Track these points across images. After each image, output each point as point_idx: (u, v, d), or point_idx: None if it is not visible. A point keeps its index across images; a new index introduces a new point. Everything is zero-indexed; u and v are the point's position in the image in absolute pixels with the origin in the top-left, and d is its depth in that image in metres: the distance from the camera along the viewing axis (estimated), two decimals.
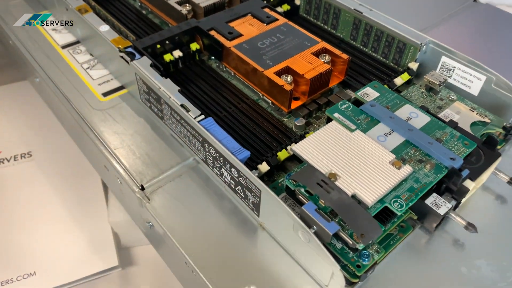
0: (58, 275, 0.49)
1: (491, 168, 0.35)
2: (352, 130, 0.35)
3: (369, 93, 0.39)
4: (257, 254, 0.32)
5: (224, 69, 0.45)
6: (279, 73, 0.40)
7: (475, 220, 0.32)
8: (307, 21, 0.53)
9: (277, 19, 0.46)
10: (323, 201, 0.30)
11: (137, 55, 0.41)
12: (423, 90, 0.43)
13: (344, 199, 0.29)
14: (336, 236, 0.30)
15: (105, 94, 0.45)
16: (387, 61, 0.46)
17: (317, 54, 0.42)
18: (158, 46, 0.43)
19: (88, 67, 0.48)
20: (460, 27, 0.57)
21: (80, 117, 0.43)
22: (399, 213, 0.30)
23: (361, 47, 0.48)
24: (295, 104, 0.41)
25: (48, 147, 0.61)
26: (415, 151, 0.33)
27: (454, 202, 0.33)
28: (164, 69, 0.44)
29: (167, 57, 0.44)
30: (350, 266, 0.29)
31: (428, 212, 0.32)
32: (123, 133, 0.41)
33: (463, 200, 0.34)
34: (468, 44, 0.54)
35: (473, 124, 0.40)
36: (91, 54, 0.50)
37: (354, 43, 0.49)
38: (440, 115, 0.40)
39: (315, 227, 0.28)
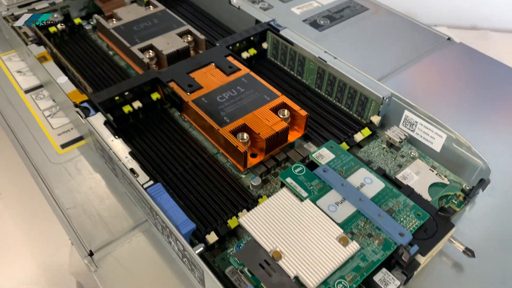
0: None
1: (445, 239, 0.34)
2: (302, 199, 0.34)
3: (324, 154, 0.38)
4: None
5: (185, 119, 0.45)
6: (235, 131, 0.40)
7: None
8: (274, 65, 0.52)
9: (239, 69, 0.46)
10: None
11: (92, 111, 0.40)
12: (385, 146, 0.42)
13: (285, 283, 0.29)
14: None
15: (64, 146, 0.44)
16: (351, 112, 0.46)
17: (276, 109, 0.42)
18: (117, 98, 0.43)
19: (49, 115, 0.47)
20: (434, 65, 0.56)
21: (36, 170, 0.42)
22: None
23: (326, 95, 0.48)
24: (252, 162, 0.40)
25: (16, 189, 0.60)
26: (365, 224, 0.33)
27: (404, 278, 0.32)
28: (124, 120, 0.44)
29: (126, 109, 0.43)
30: None
31: None
32: (77, 190, 0.40)
33: (416, 272, 0.34)
34: (441, 83, 0.54)
35: (433, 185, 0.39)
36: (53, 100, 0.49)
37: (319, 91, 0.48)
38: (399, 175, 0.40)
39: None
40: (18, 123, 0.46)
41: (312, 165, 0.37)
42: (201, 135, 0.43)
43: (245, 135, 0.39)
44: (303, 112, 0.41)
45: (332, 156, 0.38)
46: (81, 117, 0.40)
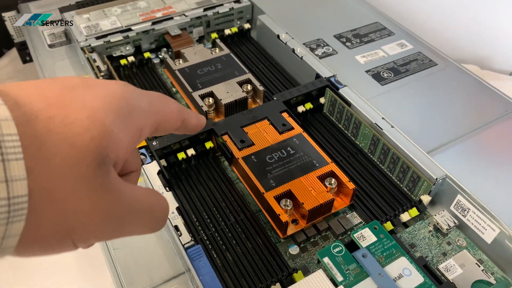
0: None
1: None
2: (337, 284, 0.34)
3: (366, 236, 0.37)
4: None
5: (233, 170, 0.46)
6: (280, 197, 0.40)
7: None
8: (329, 121, 0.52)
9: (292, 128, 0.46)
10: None
11: (148, 159, 0.43)
12: (431, 229, 0.41)
13: None
14: None
15: None
16: (402, 186, 0.45)
17: (324, 177, 0.42)
18: (173, 145, 0.45)
19: None
20: (500, 137, 0.53)
21: None
22: None
23: (378, 163, 0.47)
24: (293, 229, 0.40)
25: None
26: None
27: None
28: (177, 165, 0.46)
29: (180, 156, 0.45)
30: None
31: None
32: None
33: None
34: (505, 160, 0.51)
35: (477, 282, 0.38)
36: None
37: (371, 156, 0.48)
38: (442, 265, 0.38)
39: None
40: None
41: (352, 245, 0.37)
42: (246, 189, 0.44)
43: (289, 202, 0.40)
44: (351, 185, 0.41)
45: (374, 239, 0.37)
46: None
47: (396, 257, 0.36)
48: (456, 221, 0.40)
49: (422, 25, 0.92)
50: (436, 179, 0.41)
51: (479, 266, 0.38)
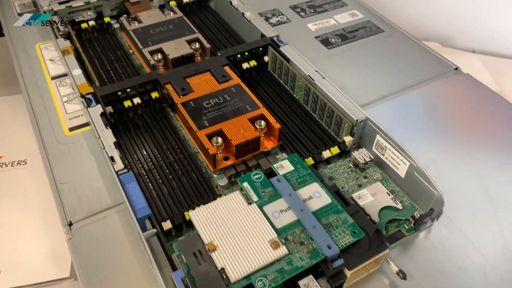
0: (15, 277, 0.55)
1: (379, 258, 0.36)
2: (250, 203, 0.38)
3: (285, 166, 0.41)
4: None
5: (177, 119, 0.50)
6: (211, 135, 0.44)
7: None
8: (272, 78, 0.56)
9: (231, 79, 0.50)
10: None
11: (93, 103, 0.46)
12: (351, 166, 0.45)
13: (210, 272, 0.33)
14: None
15: (72, 129, 0.50)
16: (329, 130, 0.49)
17: (254, 119, 0.45)
18: (120, 93, 0.49)
19: (67, 101, 0.54)
20: (429, 93, 0.57)
21: (43, 147, 0.49)
22: None
23: (311, 111, 0.51)
24: (224, 164, 0.44)
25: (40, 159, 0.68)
26: (301, 233, 0.36)
27: (328, 286, 0.35)
28: (124, 114, 0.49)
29: (126, 103, 0.49)
30: None
31: None
32: (73, 169, 0.46)
33: (345, 285, 0.36)
34: (430, 112, 0.54)
35: (385, 208, 0.41)
36: (72, 88, 0.56)
37: (305, 106, 0.52)
38: (355, 194, 0.42)
39: None
40: (39, 104, 0.53)
41: (271, 174, 0.41)
42: (187, 135, 0.48)
43: (219, 140, 0.43)
44: (277, 125, 0.44)
45: (291, 168, 0.41)
46: (84, 107, 0.46)
47: (309, 182, 0.40)
48: (371, 156, 0.44)
49: (384, 2, 0.95)
50: (357, 120, 0.45)
51: (390, 195, 0.42)
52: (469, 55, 0.93)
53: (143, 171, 0.44)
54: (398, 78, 0.59)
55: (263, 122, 0.45)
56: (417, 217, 0.40)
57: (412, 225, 0.41)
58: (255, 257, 0.34)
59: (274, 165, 0.41)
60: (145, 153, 0.46)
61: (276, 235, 0.35)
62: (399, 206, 0.41)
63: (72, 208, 0.43)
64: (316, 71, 0.51)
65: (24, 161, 0.69)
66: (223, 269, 0.33)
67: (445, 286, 0.37)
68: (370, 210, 0.41)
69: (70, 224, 0.41)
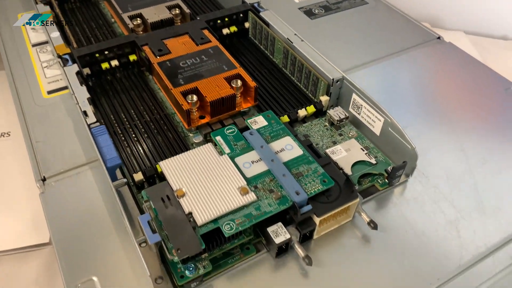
0: None
1: (350, 208, 0.36)
2: (222, 154, 0.38)
3: (259, 121, 0.41)
4: (112, 249, 0.36)
5: (154, 81, 0.50)
6: (186, 93, 0.44)
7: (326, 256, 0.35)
8: (253, 44, 0.56)
9: (210, 41, 0.50)
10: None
11: (70, 62, 0.46)
12: (326, 124, 0.45)
13: (178, 216, 0.33)
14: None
15: (50, 92, 0.50)
16: (306, 91, 0.49)
17: (230, 79, 0.45)
18: (97, 55, 0.48)
19: (46, 66, 0.54)
20: (410, 60, 0.57)
21: (21, 109, 0.49)
22: (226, 235, 0.32)
23: (289, 74, 0.51)
24: (199, 122, 0.44)
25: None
26: (271, 181, 0.36)
27: (297, 233, 0.35)
28: (102, 77, 0.49)
29: (104, 65, 0.49)
30: (174, 275, 0.33)
31: (269, 239, 0.34)
32: (49, 129, 0.46)
33: (316, 235, 0.36)
34: (410, 77, 0.54)
35: (358, 163, 0.41)
36: (53, 55, 0.56)
37: (284, 70, 0.51)
38: (328, 150, 0.42)
39: (144, 235, 0.32)
40: (19, 70, 0.53)
41: (245, 129, 0.41)
42: (165, 96, 0.48)
43: (194, 97, 0.43)
44: (253, 83, 0.44)
45: (265, 123, 0.41)
46: (61, 66, 0.46)
47: (282, 136, 0.40)
48: (346, 114, 0.44)
49: None
50: (333, 79, 0.45)
51: (364, 151, 0.42)
52: (457, 34, 0.93)
53: (119, 130, 0.44)
54: (380, 47, 0.59)
55: (239, 81, 0.45)
56: (389, 171, 0.40)
57: (385, 179, 0.41)
58: (223, 202, 0.34)
59: (248, 121, 0.41)
60: (122, 114, 0.46)
61: (245, 182, 0.35)
62: (373, 161, 0.41)
63: (46, 164, 0.43)
64: (295, 34, 0.51)
65: (7, 133, 0.69)
66: (190, 213, 0.33)
67: (416, 238, 0.37)
68: (343, 164, 0.41)
69: (44, 180, 0.41)
